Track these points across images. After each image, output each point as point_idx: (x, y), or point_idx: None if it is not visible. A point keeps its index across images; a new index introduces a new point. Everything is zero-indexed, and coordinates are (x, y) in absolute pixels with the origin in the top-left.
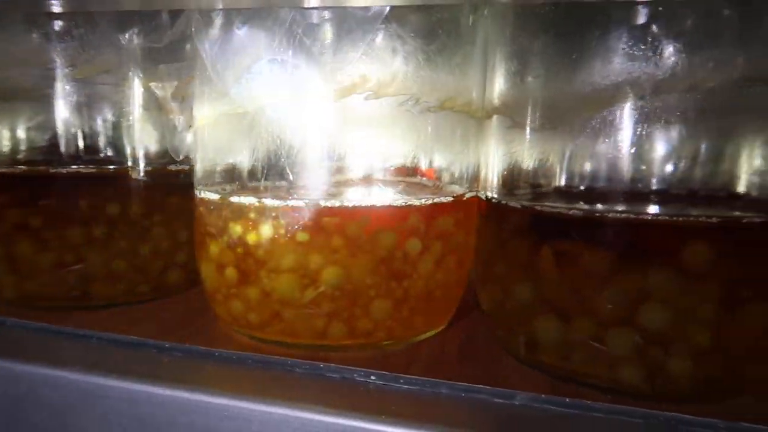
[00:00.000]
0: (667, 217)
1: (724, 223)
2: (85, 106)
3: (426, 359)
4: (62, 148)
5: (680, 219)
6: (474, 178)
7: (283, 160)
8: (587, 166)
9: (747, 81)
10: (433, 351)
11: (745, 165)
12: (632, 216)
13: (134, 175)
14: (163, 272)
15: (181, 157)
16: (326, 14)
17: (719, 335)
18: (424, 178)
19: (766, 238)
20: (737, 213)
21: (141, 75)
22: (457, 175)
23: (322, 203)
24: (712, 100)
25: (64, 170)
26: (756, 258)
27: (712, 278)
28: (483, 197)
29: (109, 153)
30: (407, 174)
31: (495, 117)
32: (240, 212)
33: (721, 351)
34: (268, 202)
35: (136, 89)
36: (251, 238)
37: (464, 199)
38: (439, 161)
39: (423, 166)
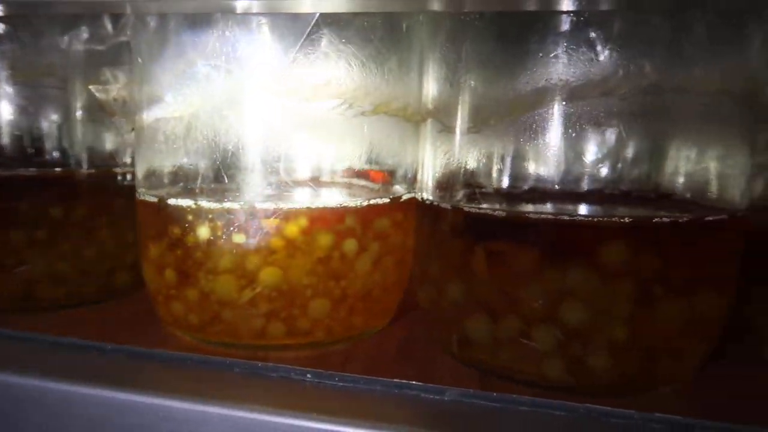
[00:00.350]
0: (584, 218)
1: (636, 223)
2: (27, 109)
3: (364, 358)
4: (4, 151)
5: (596, 219)
6: (413, 180)
7: (219, 163)
8: (515, 169)
9: (657, 89)
10: (372, 350)
11: (665, 167)
12: (552, 217)
13: (78, 177)
14: (109, 274)
15: (125, 160)
16: (260, 20)
17: (635, 331)
18: (363, 180)
19: (676, 237)
20: (662, 212)
21: (83, 78)
22: (396, 177)
23: (258, 205)
24: (629, 106)
25: (6, 173)
26: (668, 256)
27: (627, 276)
28: (419, 199)
29: (53, 155)
30: (345, 176)
31: (429, 121)
32: (178, 214)
33: (636, 346)
34: (205, 204)
35: (79, 92)
36: (189, 240)
37: (401, 200)
38: (377, 164)
39: (359, 168)
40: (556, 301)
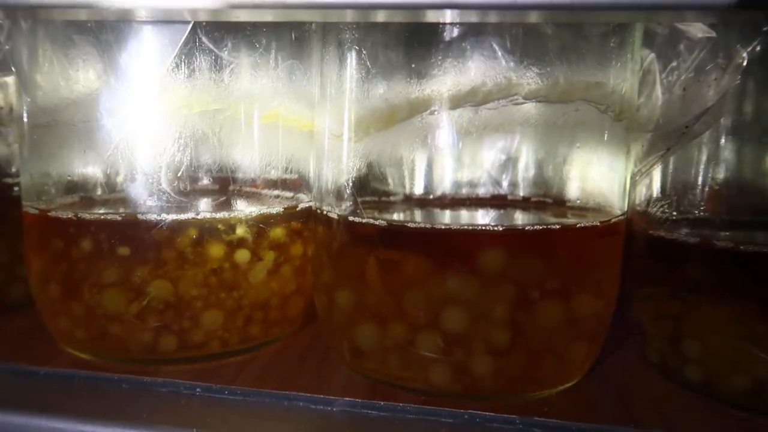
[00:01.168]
0: (462, 227)
1: (511, 230)
2: None
3: (258, 369)
4: None
5: (473, 228)
6: (308, 190)
7: (101, 172)
8: (399, 177)
9: (522, 98)
10: (268, 361)
11: (545, 173)
12: (431, 226)
13: None
14: (3, 288)
15: (13, 170)
16: (138, 26)
17: (515, 335)
18: (256, 186)
19: (550, 242)
20: (542, 216)
21: None
22: (291, 185)
23: (141, 216)
24: (503, 115)
25: None
26: (543, 261)
27: (505, 282)
28: (314, 208)
29: None
30: (238, 184)
31: (319, 128)
32: (60, 227)
33: (518, 350)
34: (86, 215)
35: None
36: (73, 252)
37: (297, 209)
38: (270, 170)
39: (254, 174)
40: (438, 308)
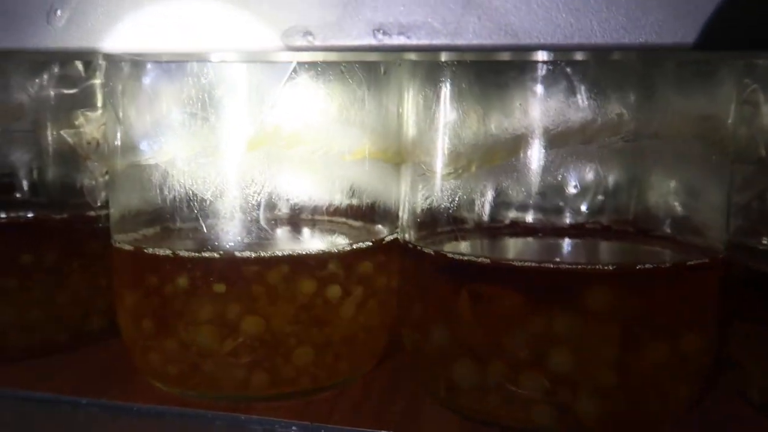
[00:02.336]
0: (569, 265)
1: (620, 268)
2: None
3: (349, 406)
4: None
5: (580, 267)
6: (395, 221)
7: (197, 211)
8: (496, 212)
9: (633, 134)
10: (357, 396)
11: (646, 208)
12: (536, 264)
13: (50, 222)
14: (82, 320)
15: (98, 204)
16: (236, 67)
17: (622, 376)
18: (346, 222)
19: (660, 281)
20: (645, 249)
21: (54, 121)
22: (377, 218)
23: (238, 253)
24: (607, 151)
25: None
26: (652, 300)
27: (613, 321)
28: (401, 240)
29: (24, 200)
30: (326, 219)
31: (410, 163)
32: (155, 263)
33: (624, 391)
34: (184, 253)
35: (50, 135)
36: (167, 289)
37: (384, 242)
38: (357, 205)
39: (340, 211)
40: (542, 347)
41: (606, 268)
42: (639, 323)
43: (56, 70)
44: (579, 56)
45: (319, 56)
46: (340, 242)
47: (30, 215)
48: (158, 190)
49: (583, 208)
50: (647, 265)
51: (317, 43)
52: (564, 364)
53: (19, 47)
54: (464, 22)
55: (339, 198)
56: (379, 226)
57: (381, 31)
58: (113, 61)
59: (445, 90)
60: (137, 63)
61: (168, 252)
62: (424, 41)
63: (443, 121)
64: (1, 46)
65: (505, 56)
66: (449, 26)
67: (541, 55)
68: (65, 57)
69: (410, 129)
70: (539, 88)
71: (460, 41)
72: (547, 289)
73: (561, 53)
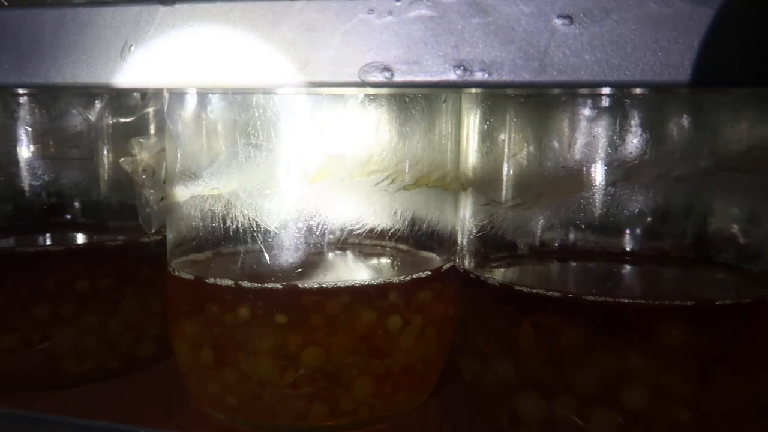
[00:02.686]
0: (642, 300)
1: (697, 305)
2: (53, 182)
3: None
4: (30, 225)
5: (652, 302)
6: (452, 248)
7: (260, 242)
8: (560, 244)
9: (712, 169)
10: (416, 427)
11: (714, 238)
12: (610, 299)
13: (105, 250)
14: (134, 345)
15: (152, 231)
16: (301, 99)
17: (698, 414)
18: (405, 251)
19: (737, 317)
20: (711, 280)
21: (111, 149)
22: (436, 246)
23: (300, 285)
24: (680, 186)
25: (31, 249)
26: (729, 337)
27: (688, 357)
28: (460, 269)
29: (79, 228)
30: (386, 249)
31: (470, 191)
32: (216, 294)
33: (699, 429)
34: (245, 284)
35: (106, 163)
36: (228, 319)
37: (442, 271)
38: (418, 234)
39: (402, 240)
40: (614, 383)
41: (681, 303)
42: (715, 359)
43: (113, 99)
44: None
45: (391, 91)
46: (400, 272)
47: (85, 241)
48: (221, 221)
49: (647, 238)
50: (725, 301)
51: (396, 79)
52: (638, 401)
53: (92, 82)
54: (548, 59)
55: (400, 226)
56: (438, 254)
57: (461, 68)
58: (176, 92)
59: (510, 121)
60: (202, 94)
61: (230, 282)
62: (506, 78)
63: (507, 150)
64: (80, 81)
65: (597, 92)
66: (532, 63)
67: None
68: (138, 91)
69: (471, 157)
70: (600, 121)
71: (543, 78)
72: (620, 323)
73: (630, 92)
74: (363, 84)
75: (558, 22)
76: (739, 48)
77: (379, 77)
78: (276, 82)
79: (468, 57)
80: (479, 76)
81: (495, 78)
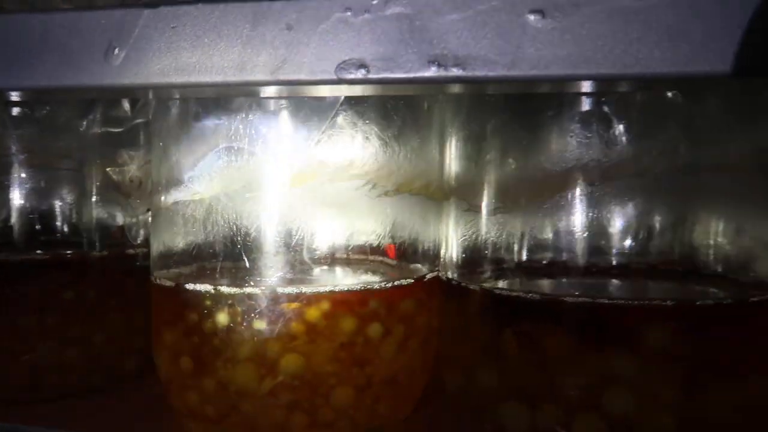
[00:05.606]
0: (625, 301)
1: (681, 305)
2: (41, 192)
3: None
4: (16, 235)
5: (636, 302)
6: (435, 258)
7: (239, 246)
8: (543, 249)
9: (692, 168)
10: None
11: (698, 244)
12: (590, 300)
13: (91, 260)
14: (118, 360)
15: (138, 241)
16: (282, 103)
17: (681, 419)
18: (387, 259)
19: (720, 318)
20: (696, 288)
21: (99, 159)
22: (418, 255)
23: (280, 290)
24: (661, 185)
25: (18, 257)
26: (713, 338)
27: (673, 361)
28: (443, 278)
29: (66, 238)
30: (367, 256)
31: (453, 199)
32: (196, 300)
33: None
34: (224, 289)
35: (94, 173)
36: (207, 326)
37: (425, 279)
38: (400, 242)
39: (383, 247)
40: (598, 389)
41: (665, 303)
42: (700, 363)
43: (103, 109)
44: (623, 89)
45: (368, 90)
46: (381, 279)
47: (71, 252)
48: (202, 226)
49: (630, 244)
50: (708, 301)
51: (372, 75)
52: (621, 406)
53: (77, 84)
54: (520, 53)
55: (381, 233)
56: (421, 263)
57: (436, 63)
58: (162, 99)
59: (490, 124)
60: (185, 100)
61: (209, 287)
62: (479, 73)
63: (487, 155)
64: (66, 84)
65: (569, 87)
66: (506, 58)
67: (585, 87)
68: (113, 96)
69: (453, 164)
70: (582, 123)
71: (517, 72)
72: (603, 327)
73: (605, 86)
74: (340, 81)
75: (530, 17)
76: (710, 40)
77: (356, 74)
78: (255, 80)
79: (443, 53)
80: (454, 71)
81: (469, 73)
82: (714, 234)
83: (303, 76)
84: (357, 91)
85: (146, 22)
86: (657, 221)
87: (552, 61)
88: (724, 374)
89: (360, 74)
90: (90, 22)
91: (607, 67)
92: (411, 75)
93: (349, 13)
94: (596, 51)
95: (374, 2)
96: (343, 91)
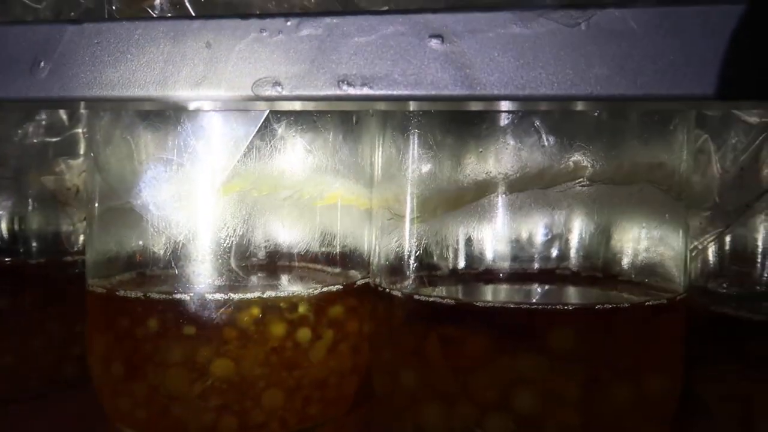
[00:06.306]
0: (531, 305)
1: (582, 308)
2: None
3: None
4: None
5: (542, 306)
6: (366, 266)
7: (170, 254)
8: (461, 256)
9: (591, 180)
10: None
11: (608, 251)
12: (499, 304)
13: (28, 267)
14: (56, 366)
15: (75, 249)
16: (210, 115)
17: (587, 417)
18: (317, 265)
19: (618, 322)
20: (610, 294)
21: (37, 168)
22: (348, 262)
23: (209, 296)
24: (567, 196)
25: None
26: (613, 341)
27: (576, 361)
28: (372, 285)
29: (3, 245)
30: (297, 263)
31: (378, 208)
32: (127, 306)
33: (588, 430)
34: (154, 296)
35: (31, 182)
36: (138, 332)
37: (355, 286)
38: (329, 249)
39: (313, 254)
40: (507, 388)
41: (566, 307)
42: (601, 363)
43: (40, 119)
44: (541, 106)
45: (284, 105)
46: (310, 285)
47: (8, 260)
48: (132, 234)
49: (550, 252)
50: (606, 305)
51: (285, 93)
52: (528, 405)
53: (3, 96)
54: (423, 72)
55: (311, 242)
56: (352, 271)
57: (345, 82)
58: (94, 110)
59: (412, 138)
60: (116, 112)
61: (139, 294)
62: (384, 92)
63: (409, 167)
64: None
65: (466, 106)
66: (409, 78)
67: (504, 105)
68: (48, 106)
69: (379, 175)
70: (498, 136)
71: (419, 91)
72: (509, 329)
73: (521, 103)
74: (257, 98)
75: (431, 41)
76: (588, 65)
77: (271, 91)
78: (176, 95)
79: (351, 72)
80: (360, 90)
81: (376, 92)
82: (627, 243)
83: (222, 92)
84: (275, 106)
85: (71, 38)
86: (574, 230)
87: (448, 81)
88: (623, 373)
89: (275, 91)
90: (17, 37)
91: (499, 88)
92: (322, 93)
93: (264, 33)
94: (489, 74)
95: (288, 24)
96: (261, 106)
